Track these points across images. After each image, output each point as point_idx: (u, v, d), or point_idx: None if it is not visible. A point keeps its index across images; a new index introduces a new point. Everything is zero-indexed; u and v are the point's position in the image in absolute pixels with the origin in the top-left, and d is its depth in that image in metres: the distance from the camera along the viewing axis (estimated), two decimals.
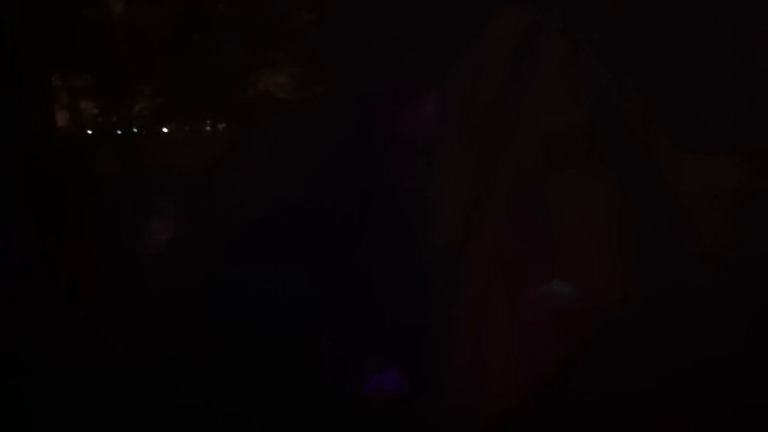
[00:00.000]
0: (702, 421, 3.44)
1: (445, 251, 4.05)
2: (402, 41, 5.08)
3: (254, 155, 5.73)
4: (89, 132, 7.20)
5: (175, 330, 4.15)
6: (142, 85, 6.82)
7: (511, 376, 3.76)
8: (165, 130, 7.30)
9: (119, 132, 6.98)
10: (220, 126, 6.85)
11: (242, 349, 4.10)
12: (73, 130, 6.49)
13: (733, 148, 3.89)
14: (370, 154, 4.80)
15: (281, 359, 4.07)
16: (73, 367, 3.79)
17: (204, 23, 6.18)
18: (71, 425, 3.58)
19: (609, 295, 3.75)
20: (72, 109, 7.08)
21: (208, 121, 6.58)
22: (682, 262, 3.75)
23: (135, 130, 7.08)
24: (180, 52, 6.27)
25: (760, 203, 3.77)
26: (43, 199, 3.90)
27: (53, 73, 4.85)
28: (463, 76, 4.18)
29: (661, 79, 4.05)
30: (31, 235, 3.86)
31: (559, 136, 4.01)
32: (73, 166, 4.32)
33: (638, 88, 4.03)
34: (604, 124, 3.98)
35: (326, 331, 4.03)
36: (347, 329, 3.99)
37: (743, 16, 4.02)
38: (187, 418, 3.77)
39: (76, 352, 3.83)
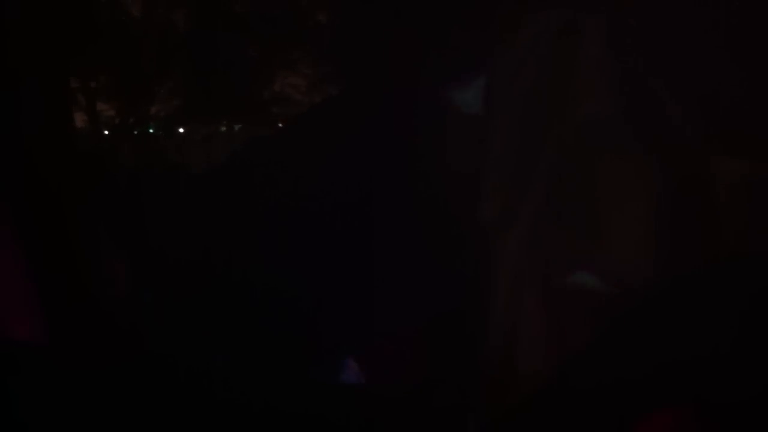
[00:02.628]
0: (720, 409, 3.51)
1: (481, 236, 4.16)
2: (425, 38, 5.10)
3: (271, 153, 5.77)
4: (106, 132, 7.27)
5: (179, 328, 4.22)
6: (159, 86, 6.86)
7: (540, 360, 3.85)
8: (181, 130, 7.35)
9: (135, 132, 7.04)
10: (236, 127, 6.88)
11: (250, 346, 4.18)
12: (90, 130, 6.53)
13: None
14: (394, 147, 4.89)
15: (293, 354, 4.15)
16: (75, 365, 3.81)
17: (220, 23, 6.19)
18: (70, 424, 3.59)
19: (639, 286, 3.82)
20: (89, 111, 7.14)
21: (224, 122, 6.60)
22: (714, 257, 3.81)
23: (151, 130, 7.13)
24: (196, 52, 6.29)
25: None
26: (44, 197, 3.92)
27: (68, 74, 4.84)
28: (501, 69, 4.26)
29: (701, 70, 4.11)
30: (31, 233, 3.88)
31: (597, 125, 4.09)
32: (76, 164, 4.33)
33: (678, 80, 4.10)
34: (642, 114, 4.06)
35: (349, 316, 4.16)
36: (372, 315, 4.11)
37: None
38: (189, 416, 3.80)
39: (78, 350, 3.86)
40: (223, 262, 4.38)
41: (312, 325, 4.07)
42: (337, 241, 4.35)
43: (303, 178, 4.71)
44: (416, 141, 4.66)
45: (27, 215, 3.90)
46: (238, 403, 3.85)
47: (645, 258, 3.95)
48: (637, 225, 4.01)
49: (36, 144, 4.07)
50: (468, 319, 3.97)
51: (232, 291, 4.27)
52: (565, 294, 3.98)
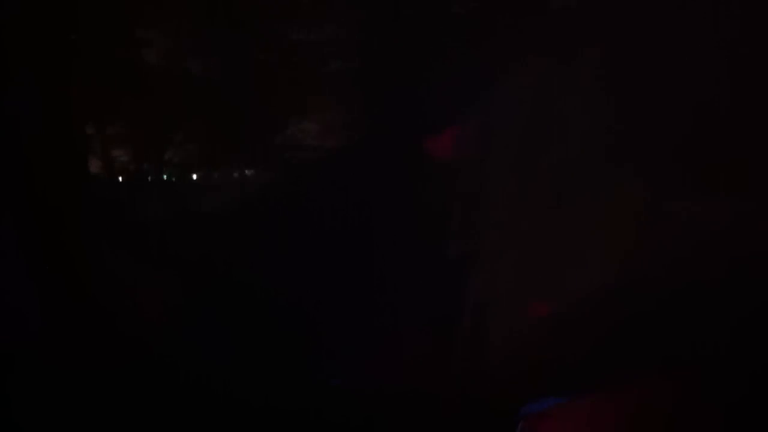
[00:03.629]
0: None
1: (461, 258, 4.57)
2: (430, 86, 5.39)
3: (281, 198, 6.01)
4: (120, 179, 7.38)
5: (179, 328, 4.31)
6: (173, 133, 6.95)
7: (513, 363, 4.26)
8: (194, 177, 7.44)
9: (149, 179, 7.13)
10: (248, 172, 6.96)
11: (251, 349, 4.32)
12: (105, 176, 6.62)
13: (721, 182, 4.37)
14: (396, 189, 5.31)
15: (288, 357, 4.32)
16: (74, 365, 3.81)
17: (234, 71, 6.29)
18: (69, 424, 3.58)
19: (590, 310, 4.26)
20: (104, 157, 7.24)
21: (237, 168, 6.69)
22: (668, 279, 4.20)
23: (165, 177, 7.21)
24: (210, 100, 6.39)
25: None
26: (42, 199, 3.95)
27: (69, 80, 4.83)
28: (487, 116, 4.73)
29: (659, 116, 4.53)
30: (30, 234, 3.90)
31: (563, 166, 4.50)
32: (72, 166, 4.36)
33: (644, 128, 4.51)
34: (603, 157, 4.45)
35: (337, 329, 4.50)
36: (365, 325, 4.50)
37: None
38: (188, 416, 3.80)
39: (77, 351, 3.86)
40: (238, 276, 4.55)
41: (320, 330, 4.30)
42: (346, 264, 4.68)
43: (315, 207, 5.04)
44: (408, 183, 5.03)
45: (28, 218, 3.93)
46: (239, 403, 3.88)
47: (595, 288, 4.30)
48: (593, 260, 4.38)
49: (37, 148, 4.10)
50: (448, 331, 4.35)
51: (245, 302, 4.41)
52: (525, 315, 4.33)
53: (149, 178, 6.66)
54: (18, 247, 3.91)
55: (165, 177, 6.77)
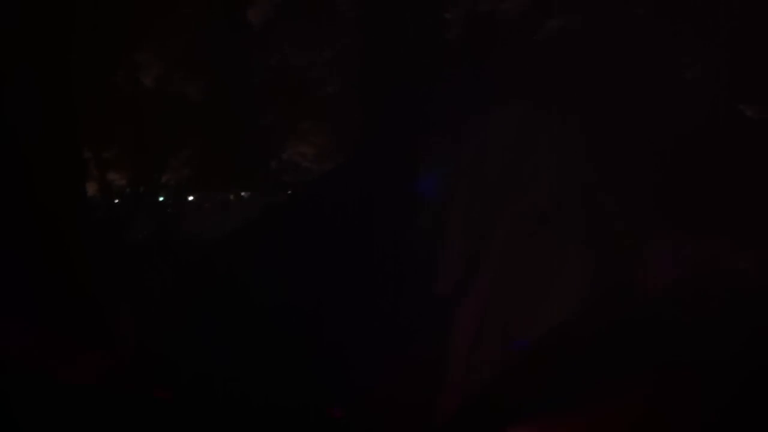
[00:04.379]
0: None
1: (449, 293, 4.98)
2: (423, 113, 5.56)
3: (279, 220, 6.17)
4: (116, 201, 7.40)
5: (182, 330, 4.42)
6: (170, 156, 6.99)
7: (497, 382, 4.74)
8: (191, 198, 7.47)
9: (146, 201, 7.17)
10: (245, 195, 7.01)
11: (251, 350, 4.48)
12: (102, 199, 6.66)
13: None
14: (388, 216, 5.55)
15: (288, 361, 4.48)
16: (73, 365, 3.83)
17: (231, 95, 6.36)
18: (68, 424, 3.61)
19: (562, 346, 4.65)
20: (100, 180, 7.27)
21: (234, 190, 6.74)
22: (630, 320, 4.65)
23: (161, 198, 7.24)
24: (207, 123, 6.45)
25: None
26: (43, 200, 3.98)
27: (70, 85, 4.86)
28: (474, 152, 5.04)
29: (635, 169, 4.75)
30: (30, 235, 3.93)
31: (541, 211, 4.87)
32: (72, 168, 4.37)
33: (614, 176, 4.98)
34: (580, 205, 4.86)
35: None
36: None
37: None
38: (190, 417, 3.86)
39: (76, 351, 3.89)
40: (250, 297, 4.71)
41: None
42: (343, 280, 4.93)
43: (311, 225, 5.26)
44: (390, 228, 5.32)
45: (29, 219, 3.94)
46: (238, 405, 3.96)
47: (568, 324, 4.65)
48: (566, 299, 4.71)
49: (38, 149, 4.12)
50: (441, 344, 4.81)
51: (246, 312, 4.56)
52: (505, 348, 4.77)
53: (144, 196, 6.74)
54: (18, 247, 3.93)
55: (160, 197, 6.85)
